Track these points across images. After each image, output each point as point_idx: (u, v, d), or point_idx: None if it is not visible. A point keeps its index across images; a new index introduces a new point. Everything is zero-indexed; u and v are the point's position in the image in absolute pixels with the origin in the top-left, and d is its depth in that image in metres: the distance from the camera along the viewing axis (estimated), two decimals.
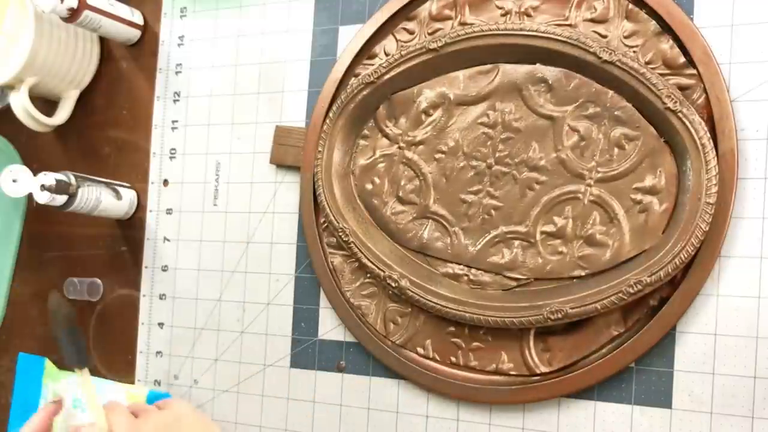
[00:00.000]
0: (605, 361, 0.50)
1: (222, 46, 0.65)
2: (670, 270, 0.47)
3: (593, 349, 0.51)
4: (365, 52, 0.58)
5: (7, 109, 0.65)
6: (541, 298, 0.51)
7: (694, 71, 0.49)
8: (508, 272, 0.53)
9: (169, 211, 0.66)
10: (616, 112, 0.50)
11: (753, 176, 0.48)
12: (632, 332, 0.50)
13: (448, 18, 0.56)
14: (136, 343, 0.67)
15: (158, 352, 0.66)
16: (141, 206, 0.67)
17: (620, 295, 0.48)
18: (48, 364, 0.67)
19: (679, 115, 0.47)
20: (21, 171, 0.59)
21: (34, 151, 0.72)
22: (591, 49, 0.50)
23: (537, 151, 0.53)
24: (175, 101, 0.67)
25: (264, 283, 0.62)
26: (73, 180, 0.61)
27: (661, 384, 0.50)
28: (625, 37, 0.51)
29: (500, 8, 0.54)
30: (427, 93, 0.56)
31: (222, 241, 0.64)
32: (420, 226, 0.56)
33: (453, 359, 0.54)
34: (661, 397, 0.50)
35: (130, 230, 0.68)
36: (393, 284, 0.55)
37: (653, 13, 0.50)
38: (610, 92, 0.50)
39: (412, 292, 0.54)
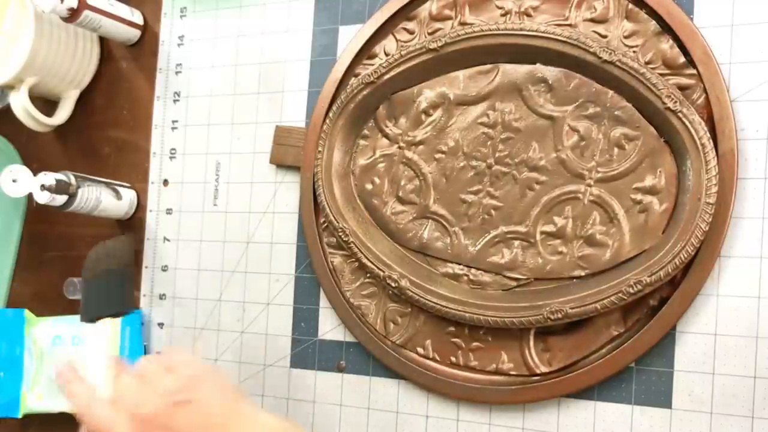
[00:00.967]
0: (605, 361, 0.50)
1: (222, 46, 0.65)
2: (670, 270, 0.47)
3: (593, 349, 0.51)
4: (365, 52, 0.58)
5: (7, 109, 0.65)
6: (541, 298, 0.51)
7: (694, 71, 0.49)
8: (508, 272, 0.53)
9: (169, 211, 0.66)
10: (616, 112, 0.50)
11: (753, 176, 0.48)
12: (632, 332, 0.50)
13: (448, 18, 0.56)
14: None
15: (158, 352, 0.66)
16: (141, 206, 0.67)
17: (620, 295, 0.48)
18: (27, 313, 0.68)
19: (679, 115, 0.47)
20: (21, 171, 0.59)
21: (34, 151, 0.72)
22: (591, 49, 0.50)
23: (537, 151, 0.53)
24: (175, 101, 0.67)
25: (264, 283, 0.62)
26: (73, 180, 0.61)
27: (661, 384, 0.50)
28: (625, 37, 0.51)
29: (500, 8, 0.54)
30: (427, 93, 0.56)
31: (222, 241, 0.64)
32: (420, 226, 0.56)
33: (453, 359, 0.54)
34: (661, 397, 0.50)
35: (130, 230, 0.68)
36: (393, 284, 0.55)
37: (653, 13, 0.50)
38: (610, 92, 0.50)
39: (412, 292, 0.54)
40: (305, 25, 0.62)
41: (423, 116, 0.56)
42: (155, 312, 0.66)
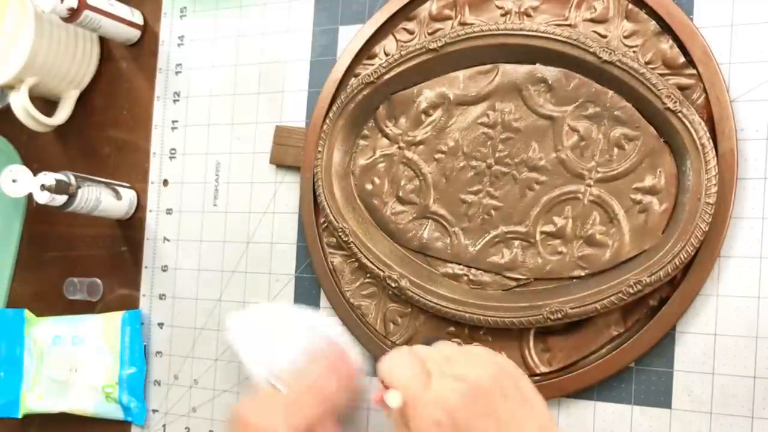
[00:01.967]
0: (605, 361, 0.50)
1: (222, 46, 0.65)
2: (669, 270, 0.47)
3: (593, 349, 0.51)
4: (365, 52, 0.58)
5: (7, 109, 0.65)
6: (541, 298, 0.51)
7: (693, 71, 0.49)
8: (508, 272, 0.53)
9: (169, 211, 0.66)
10: (616, 112, 0.50)
11: (753, 176, 0.48)
12: (632, 332, 0.50)
13: (448, 18, 0.56)
14: None
15: (158, 352, 0.66)
16: (141, 206, 0.67)
17: (620, 295, 0.48)
18: (27, 313, 0.68)
19: (679, 115, 0.47)
20: (21, 171, 0.59)
21: (34, 151, 0.72)
22: (591, 49, 0.50)
23: (537, 151, 0.53)
24: (175, 101, 0.67)
25: (264, 283, 0.62)
26: (73, 180, 0.61)
27: (661, 384, 0.50)
28: (625, 37, 0.51)
29: (500, 8, 0.54)
30: (427, 93, 0.56)
31: (222, 241, 0.64)
32: (420, 226, 0.56)
33: None
34: (661, 397, 0.50)
35: (130, 230, 0.68)
36: (393, 284, 0.55)
37: (653, 13, 0.50)
38: (610, 92, 0.50)
39: (412, 292, 0.54)
40: (305, 25, 0.62)
41: (423, 116, 0.56)
42: (155, 312, 0.66)
